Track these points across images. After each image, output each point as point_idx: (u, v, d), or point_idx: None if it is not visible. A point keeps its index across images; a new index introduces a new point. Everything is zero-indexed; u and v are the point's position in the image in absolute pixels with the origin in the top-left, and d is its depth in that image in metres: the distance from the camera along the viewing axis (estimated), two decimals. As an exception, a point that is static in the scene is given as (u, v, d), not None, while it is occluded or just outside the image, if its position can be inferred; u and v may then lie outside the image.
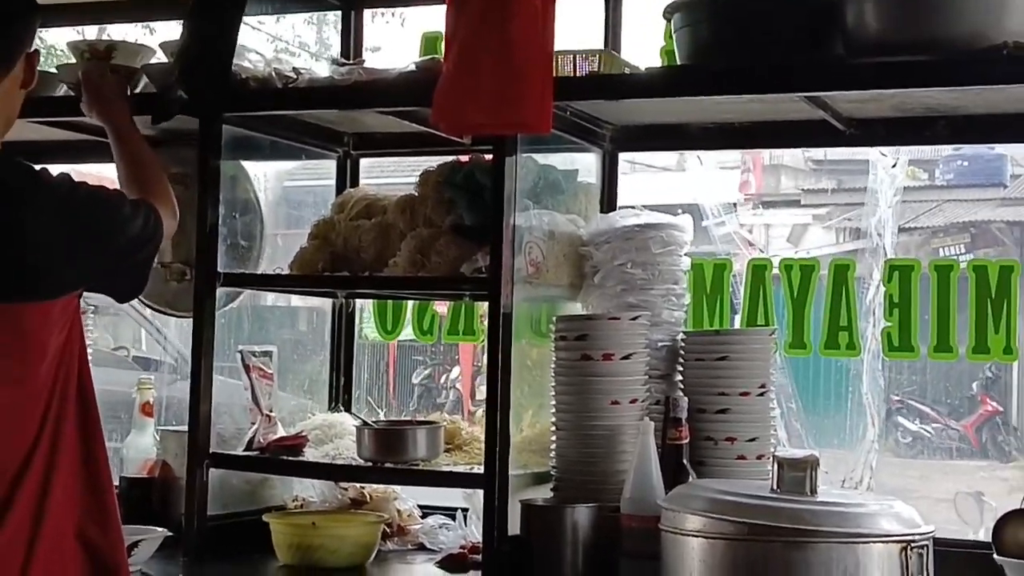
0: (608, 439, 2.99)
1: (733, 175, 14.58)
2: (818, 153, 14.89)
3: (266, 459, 3.32)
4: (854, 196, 11.54)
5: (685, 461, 2.92)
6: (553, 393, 3.10)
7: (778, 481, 2.59)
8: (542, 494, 3.07)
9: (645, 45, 3.43)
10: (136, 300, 3.02)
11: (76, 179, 2.47)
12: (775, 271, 3.43)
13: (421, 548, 3.39)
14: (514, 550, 2.95)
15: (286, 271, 3.45)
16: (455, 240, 3.14)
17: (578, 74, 3.03)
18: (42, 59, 2.67)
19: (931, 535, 2.53)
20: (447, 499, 3.53)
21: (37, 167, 2.43)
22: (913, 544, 2.48)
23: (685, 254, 3.28)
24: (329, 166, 3.82)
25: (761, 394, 3.05)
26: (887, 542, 2.48)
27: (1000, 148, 12.32)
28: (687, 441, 2.93)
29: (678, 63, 2.98)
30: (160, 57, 3.41)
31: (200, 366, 3.27)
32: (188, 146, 3.39)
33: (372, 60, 3.67)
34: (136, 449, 3.64)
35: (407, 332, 3.95)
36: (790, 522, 2.47)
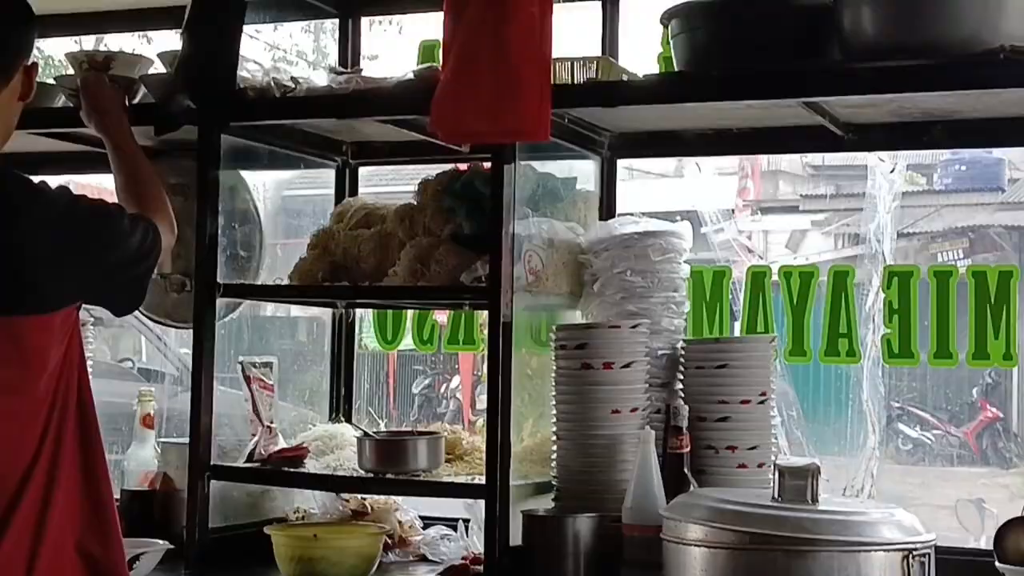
0: (609, 448, 2.99)
1: (731, 181, 14.61)
2: (816, 159, 14.94)
3: (267, 471, 3.32)
4: (853, 201, 11.56)
5: (686, 470, 2.91)
6: (554, 402, 3.09)
7: (779, 490, 2.59)
8: (543, 504, 3.07)
9: (642, 52, 3.43)
10: (137, 312, 3.01)
11: (75, 192, 2.46)
12: (774, 278, 3.43)
13: (423, 559, 3.38)
14: (516, 560, 2.94)
15: (286, 281, 3.45)
16: (454, 249, 3.14)
17: (576, 81, 3.03)
18: (40, 70, 2.66)
19: (933, 543, 2.53)
20: (448, 510, 3.51)
21: (36, 179, 2.42)
22: (915, 552, 2.48)
23: (684, 261, 3.27)
24: (328, 175, 3.81)
25: (762, 402, 3.05)
26: (889, 550, 2.47)
27: (998, 152, 12.35)
28: (688, 450, 2.93)
29: (675, 69, 2.97)
30: (158, 67, 3.40)
31: (201, 378, 3.26)
32: (187, 157, 3.39)
33: (370, 69, 3.68)
34: (137, 461, 3.63)
35: (407, 342, 3.94)
36: (792, 531, 2.47)
